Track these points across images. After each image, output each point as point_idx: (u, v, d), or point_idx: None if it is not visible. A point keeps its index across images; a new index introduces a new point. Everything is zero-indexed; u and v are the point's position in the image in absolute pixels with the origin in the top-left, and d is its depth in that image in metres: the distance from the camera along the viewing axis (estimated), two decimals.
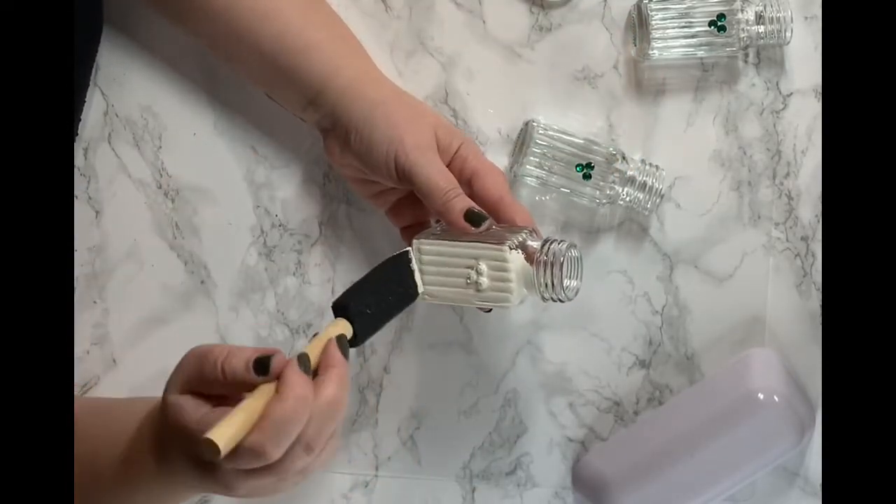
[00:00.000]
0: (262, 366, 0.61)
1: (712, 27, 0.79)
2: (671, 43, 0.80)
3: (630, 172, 0.80)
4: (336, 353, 0.64)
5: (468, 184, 0.76)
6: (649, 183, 0.80)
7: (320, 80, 0.76)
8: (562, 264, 0.70)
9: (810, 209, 0.84)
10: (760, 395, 0.79)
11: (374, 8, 0.83)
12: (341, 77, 0.76)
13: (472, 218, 0.72)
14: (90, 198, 0.85)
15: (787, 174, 0.84)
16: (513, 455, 0.87)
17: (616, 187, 0.80)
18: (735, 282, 0.84)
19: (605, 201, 0.81)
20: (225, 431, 0.59)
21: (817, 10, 0.82)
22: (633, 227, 0.84)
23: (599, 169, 0.80)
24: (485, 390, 0.86)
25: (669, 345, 0.85)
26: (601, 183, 0.80)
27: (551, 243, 0.71)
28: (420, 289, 0.72)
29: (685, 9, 0.80)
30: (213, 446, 0.58)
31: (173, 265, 0.85)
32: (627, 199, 0.81)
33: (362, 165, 0.76)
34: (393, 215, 0.80)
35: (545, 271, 0.71)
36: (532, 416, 0.86)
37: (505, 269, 0.71)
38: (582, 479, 0.85)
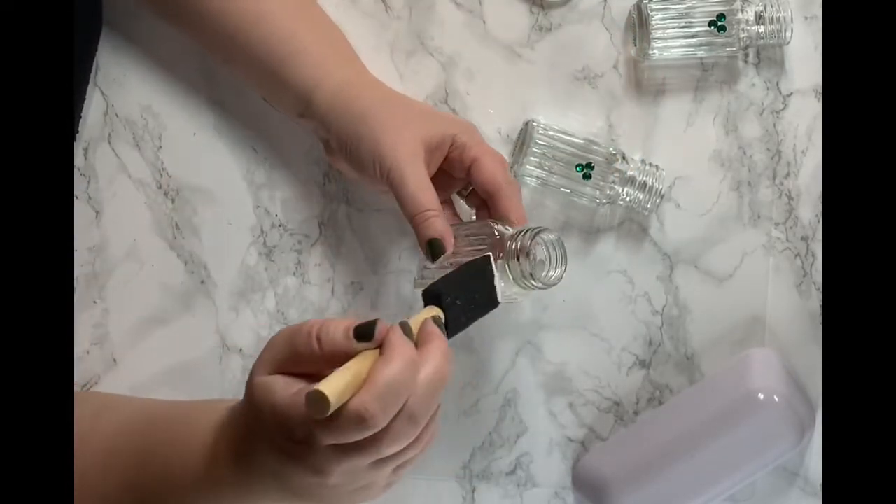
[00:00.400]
0: (364, 332, 0.59)
1: (712, 27, 0.79)
2: (671, 43, 0.80)
3: (630, 172, 0.80)
4: (435, 328, 0.61)
5: (468, 172, 0.75)
6: (649, 183, 0.80)
7: (308, 87, 0.76)
8: (530, 254, 0.70)
9: (810, 209, 0.84)
10: (760, 395, 0.79)
11: (374, 8, 0.83)
12: (329, 83, 0.76)
13: (432, 250, 0.72)
14: (90, 198, 0.85)
15: (787, 174, 0.84)
16: (513, 455, 0.87)
17: (616, 187, 0.80)
18: (735, 282, 0.84)
19: (605, 201, 0.81)
20: (335, 384, 0.55)
21: (817, 10, 0.82)
22: (633, 227, 0.84)
23: (599, 169, 0.80)
24: (485, 390, 0.86)
25: (669, 345, 0.85)
26: (601, 183, 0.80)
27: (522, 234, 0.71)
28: (499, 298, 0.71)
29: (685, 9, 0.80)
30: (321, 399, 0.54)
31: (173, 265, 0.85)
32: (627, 199, 0.81)
33: (357, 176, 0.77)
34: None
35: (518, 262, 0.70)
36: (532, 416, 0.86)
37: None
38: (582, 479, 0.85)
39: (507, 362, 0.86)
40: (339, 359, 0.58)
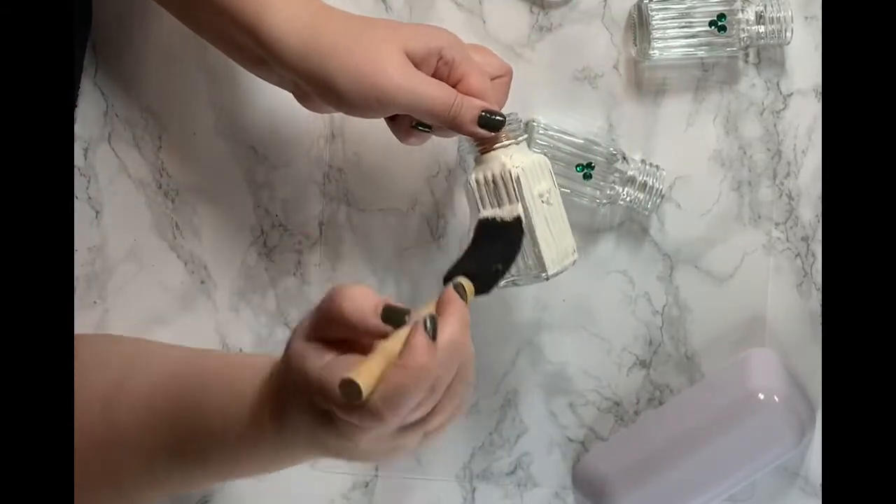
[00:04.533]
0: (392, 318, 0.58)
1: (712, 27, 0.79)
2: (671, 43, 0.80)
3: (630, 172, 0.80)
4: (453, 294, 0.60)
5: (454, 87, 0.71)
6: (649, 183, 0.80)
7: (255, 13, 0.70)
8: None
9: (810, 209, 0.84)
10: (760, 395, 0.79)
11: (374, 8, 0.83)
12: (278, 15, 0.70)
13: (489, 123, 0.70)
14: (90, 198, 0.85)
15: (787, 174, 0.84)
16: (513, 455, 0.87)
17: (616, 187, 0.80)
18: (735, 282, 0.84)
19: (605, 201, 0.81)
20: (367, 373, 0.55)
21: (817, 10, 0.82)
22: (633, 227, 0.84)
23: (599, 169, 0.80)
24: (485, 390, 0.86)
25: (669, 345, 0.85)
26: (601, 183, 0.80)
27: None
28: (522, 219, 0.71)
29: (685, 9, 0.80)
30: (354, 387, 0.55)
31: (173, 265, 0.85)
32: (627, 199, 0.81)
33: (347, 112, 0.72)
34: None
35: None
36: (532, 416, 0.86)
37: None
38: (582, 479, 0.85)
39: (507, 362, 0.86)
40: (366, 329, 0.59)
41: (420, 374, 0.57)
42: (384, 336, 0.58)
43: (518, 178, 0.71)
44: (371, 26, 0.71)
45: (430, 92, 0.69)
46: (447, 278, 0.63)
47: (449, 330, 0.58)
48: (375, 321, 0.58)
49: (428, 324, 0.57)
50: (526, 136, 0.74)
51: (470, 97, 0.70)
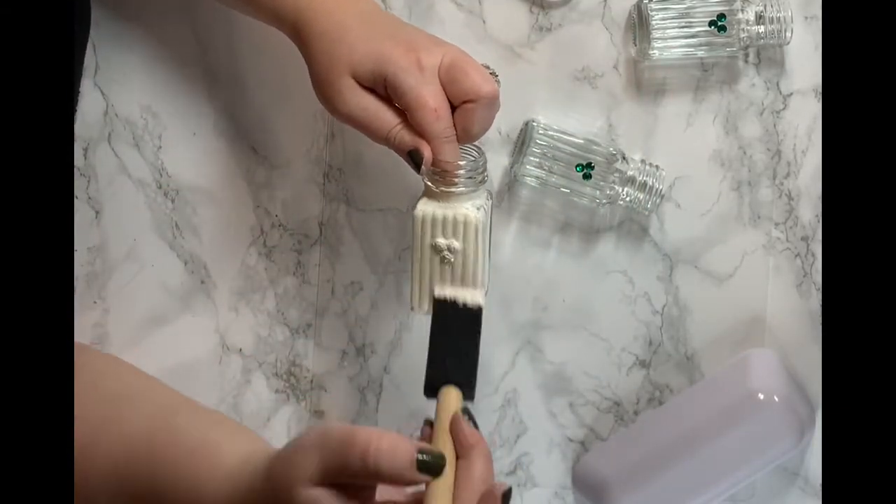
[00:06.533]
0: (431, 467, 0.59)
1: (712, 27, 0.79)
2: (671, 43, 0.80)
3: (630, 172, 0.80)
4: (469, 430, 0.63)
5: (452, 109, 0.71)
6: (649, 183, 0.80)
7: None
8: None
9: (810, 209, 0.84)
10: (760, 395, 0.79)
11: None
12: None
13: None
14: (90, 198, 0.84)
15: (787, 174, 0.84)
16: (513, 455, 0.87)
17: (616, 187, 0.80)
18: (735, 282, 0.84)
19: (605, 201, 0.81)
20: None
21: (817, 10, 0.82)
22: (633, 227, 0.84)
23: (599, 169, 0.80)
24: (485, 390, 0.86)
25: (669, 345, 0.85)
26: (601, 183, 0.80)
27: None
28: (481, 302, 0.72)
29: (685, 9, 0.80)
30: None
31: (173, 265, 0.85)
32: (627, 199, 0.81)
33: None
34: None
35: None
36: (532, 416, 0.86)
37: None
38: (582, 479, 0.85)
39: (507, 362, 0.86)
40: (403, 482, 0.59)
41: None
42: (418, 482, 0.59)
43: (429, 227, 0.71)
44: (338, 41, 0.70)
45: (367, 114, 0.70)
46: (433, 386, 0.66)
47: (478, 470, 0.61)
48: (412, 474, 0.58)
49: (506, 496, 0.60)
50: (483, 186, 0.73)
51: (404, 132, 0.70)
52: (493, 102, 0.70)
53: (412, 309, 0.73)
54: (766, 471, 0.81)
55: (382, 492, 0.62)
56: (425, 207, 0.71)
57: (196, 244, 0.85)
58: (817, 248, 0.84)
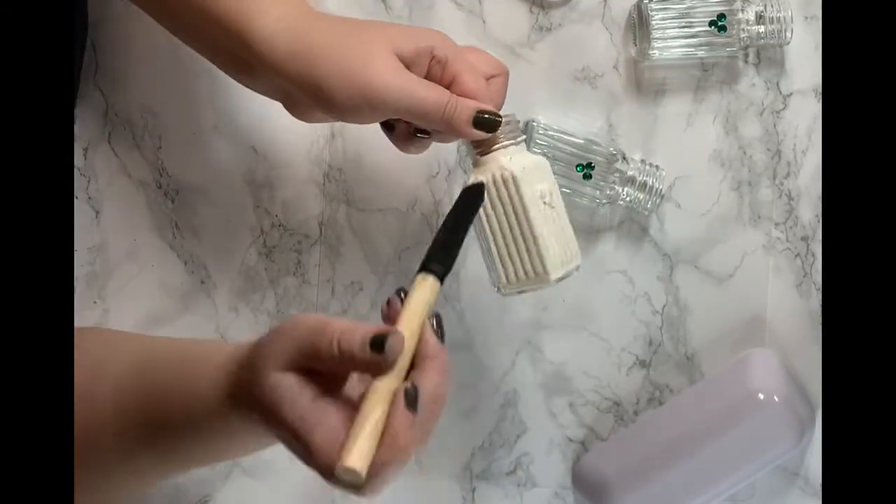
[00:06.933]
0: (378, 343, 0.57)
1: (712, 27, 0.79)
2: (671, 43, 0.80)
3: (630, 172, 0.80)
4: (433, 340, 0.60)
5: (447, 87, 0.69)
6: (649, 183, 0.80)
7: (241, 20, 0.68)
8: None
9: (810, 209, 0.84)
10: (760, 395, 0.79)
11: (375, 8, 0.83)
12: (266, 18, 0.68)
13: (485, 124, 0.68)
14: (90, 198, 0.85)
15: (787, 174, 0.84)
16: (513, 455, 0.87)
17: (616, 187, 0.80)
18: (735, 282, 0.84)
19: (605, 201, 0.81)
20: (359, 455, 0.56)
21: (817, 10, 0.82)
22: (633, 227, 0.84)
23: (599, 169, 0.80)
24: (485, 390, 0.86)
25: (669, 345, 0.85)
26: (601, 183, 0.80)
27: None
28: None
29: (685, 9, 0.80)
30: (354, 474, 0.56)
31: (173, 265, 0.85)
32: (627, 199, 0.81)
33: (338, 119, 0.70)
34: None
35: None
36: (532, 416, 0.86)
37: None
38: (582, 479, 0.85)
39: (507, 362, 0.86)
40: (357, 364, 0.58)
41: (405, 453, 0.58)
42: (372, 366, 0.58)
43: (517, 179, 0.69)
44: (360, 28, 0.69)
45: (421, 93, 0.67)
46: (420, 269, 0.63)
47: (430, 386, 0.59)
48: (365, 354, 0.58)
49: (409, 395, 0.58)
50: (525, 136, 0.73)
51: (464, 98, 0.68)
52: (508, 77, 0.73)
53: (498, 290, 0.71)
54: (766, 471, 0.81)
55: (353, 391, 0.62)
56: (506, 166, 0.70)
57: (196, 244, 0.85)
58: (817, 248, 0.84)
